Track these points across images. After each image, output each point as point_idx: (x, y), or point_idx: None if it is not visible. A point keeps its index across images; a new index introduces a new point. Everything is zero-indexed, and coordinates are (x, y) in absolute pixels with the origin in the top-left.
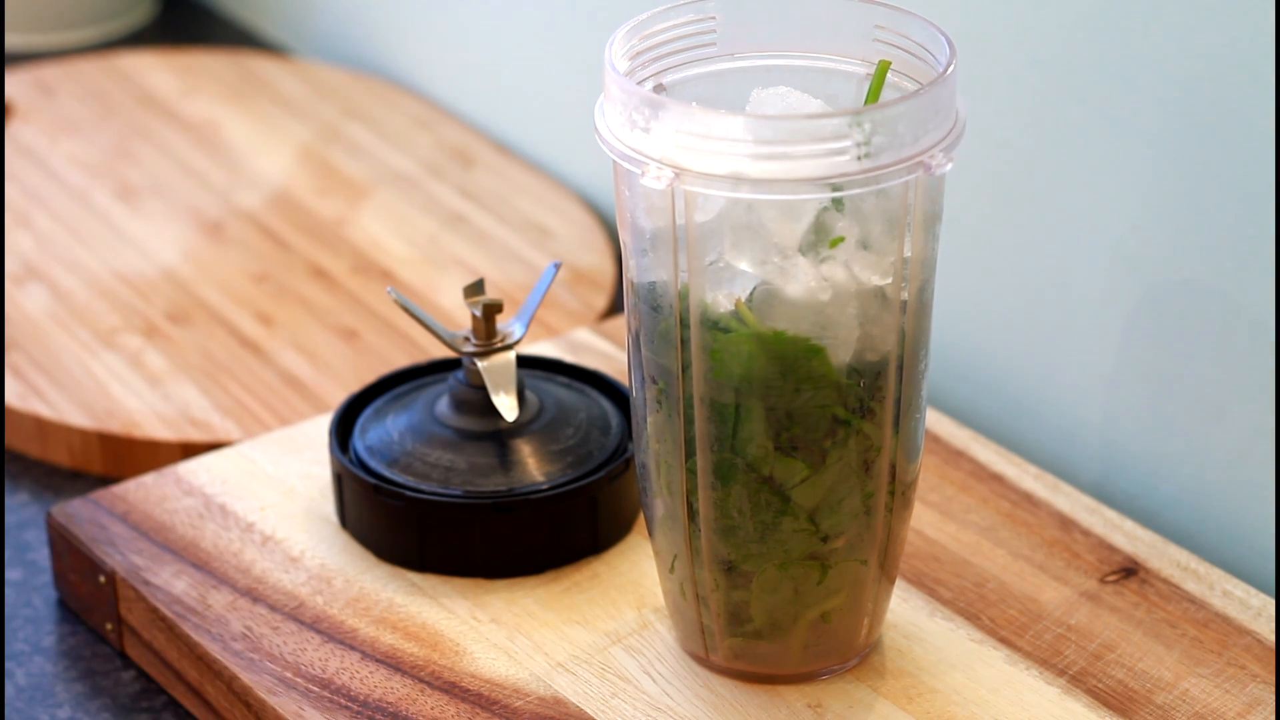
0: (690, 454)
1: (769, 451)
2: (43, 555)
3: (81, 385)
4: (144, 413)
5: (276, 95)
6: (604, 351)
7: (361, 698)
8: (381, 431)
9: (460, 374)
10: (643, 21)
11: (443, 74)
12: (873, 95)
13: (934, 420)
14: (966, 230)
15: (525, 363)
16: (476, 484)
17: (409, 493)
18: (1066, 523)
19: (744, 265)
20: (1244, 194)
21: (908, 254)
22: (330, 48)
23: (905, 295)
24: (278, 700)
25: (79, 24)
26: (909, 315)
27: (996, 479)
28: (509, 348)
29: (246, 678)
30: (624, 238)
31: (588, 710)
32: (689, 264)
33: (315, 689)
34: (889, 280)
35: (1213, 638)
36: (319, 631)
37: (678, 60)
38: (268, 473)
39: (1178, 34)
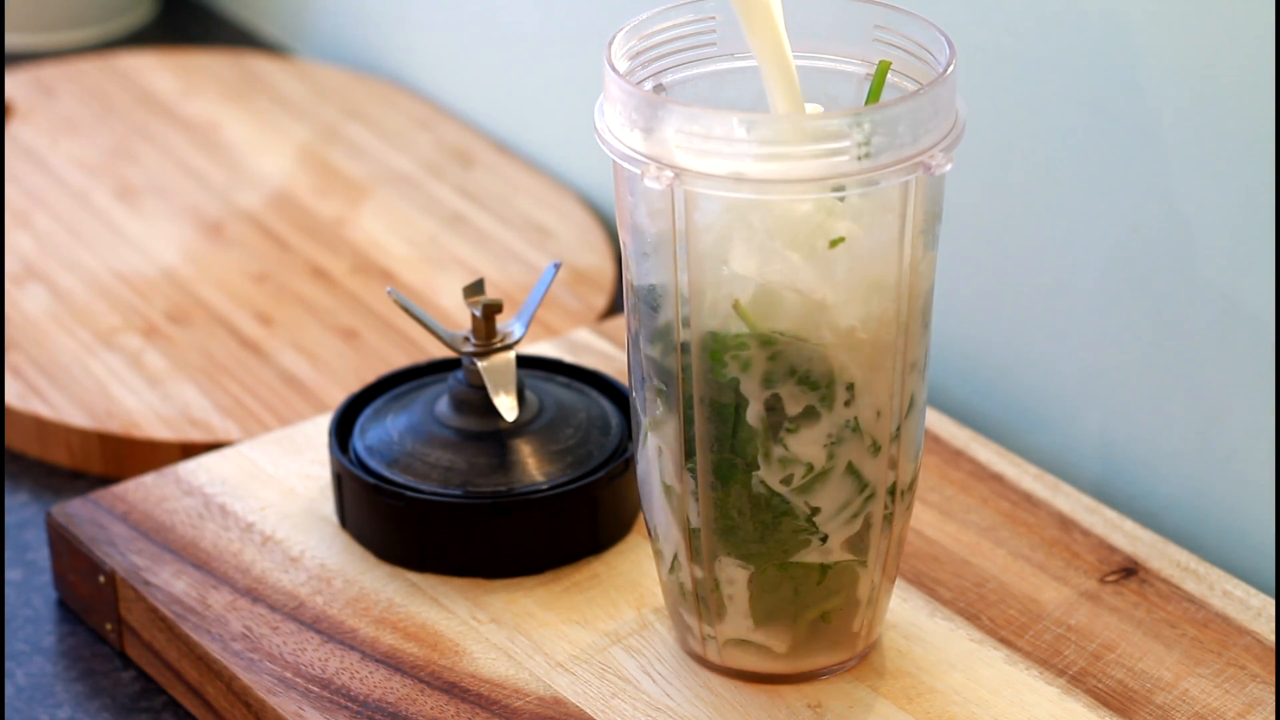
0: (690, 454)
1: (769, 451)
2: (43, 555)
3: (81, 385)
4: (144, 413)
5: (276, 95)
6: (604, 351)
7: (361, 698)
8: (381, 431)
9: (460, 374)
10: (643, 21)
11: (443, 74)
12: (873, 95)
13: (934, 420)
14: (966, 230)
15: (525, 363)
16: (476, 484)
17: (409, 493)
18: (1066, 523)
19: (744, 266)
20: (1244, 194)
21: (908, 254)
22: (330, 48)
23: (905, 295)
24: (277, 700)
25: (79, 24)
26: (909, 315)
27: (996, 479)
28: (509, 348)
29: (246, 678)
30: (624, 238)
31: (588, 710)
32: (689, 265)
33: (315, 689)
34: (889, 280)
35: (1213, 638)
36: (319, 631)
37: (678, 60)
38: (268, 473)
39: (1178, 33)
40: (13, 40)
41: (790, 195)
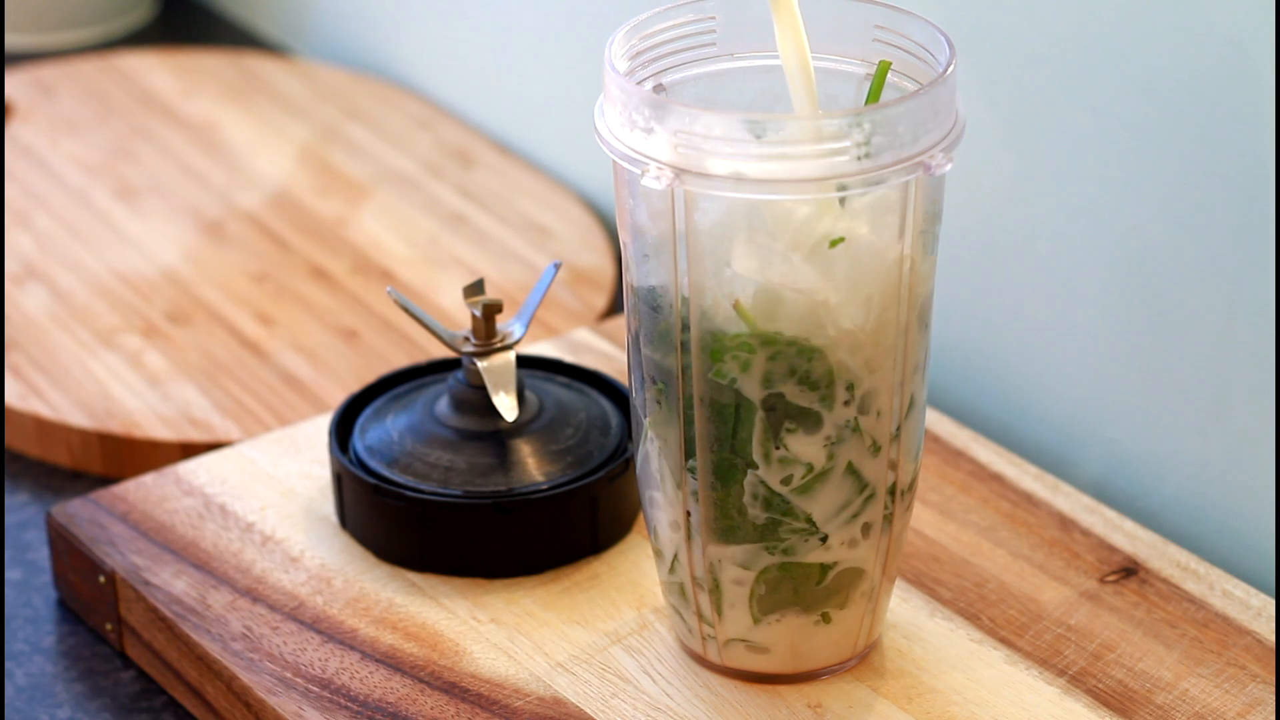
0: (690, 454)
1: (769, 451)
2: (43, 555)
3: (81, 385)
4: (144, 413)
5: (276, 95)
6: (604, 351)
7: (361, 698)
8: (381, 431)
9: (460, 374)
10: (643, 21)
11: (443, 74)
12: (873, 95)
13: (934, 420)
14: (966, 230)
15: (525, 363)
16: (476, 484)
17: (409, 493)
18: (1066, 523)
19: (744, 266)
20: (1244, 194)
21: (908, 254)
22: (330, 48)
23: (905, 295)
24: (278, 700)
25: (79, 24)
26: (909, 315)
27: (996, 479)
28: (509, 348)
29: (246, 678)
30: (624, 238)
31: (588, 710)
32: (689, 265)
33: (315, 689)
34: (889, 280)
35: (1213, 638)
36: (319, 631)
37: (678, 60)
38: (268, 473)
39: (1178, 33)
40: (13, 40)
41: (790, 195)
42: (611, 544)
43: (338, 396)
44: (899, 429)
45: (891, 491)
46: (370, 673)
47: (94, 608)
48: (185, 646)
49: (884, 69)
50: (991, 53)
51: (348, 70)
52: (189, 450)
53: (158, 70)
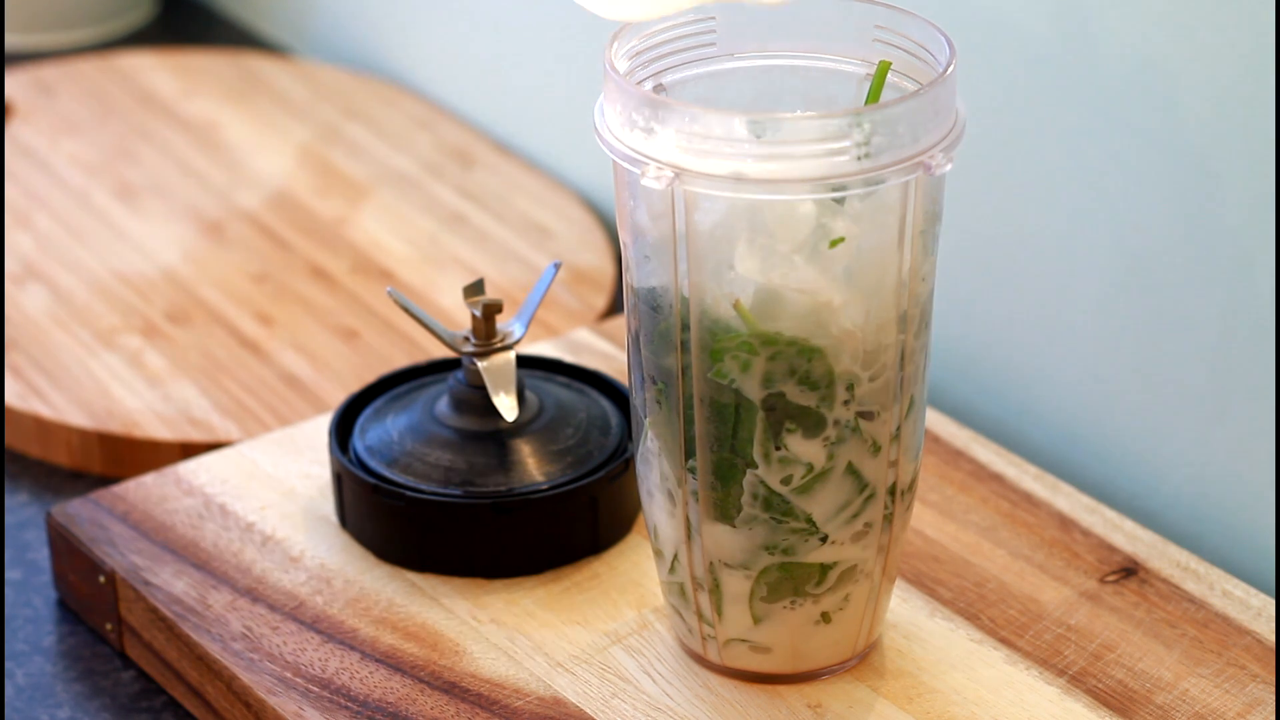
0: (690, 454)
1: (769, 451)
2: (43, 555)
3: (81, 385)
4: (144, 413)
5: (276, 95)
6: (604, 351)
7: (361, 698)
8: (381, 431)
9: (460, 374)
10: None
11: (443, 74)
12: (873, 95)
13: (934, 420)
14: (966, 230)
15: (525, 363)
16: (476, 484)
17: (409, 493)
18: (1066, 523)
19: (744, 266)
20: (1244, 194)
21: (908, 254)
22: (330, 48)
23: (905, 296)
24: (277, 700)
25: (79, 24)
26: (909, 316)
27: (996, 479)
28: (509, 348)
29: (246, 678)
30: (624, 238)
31: (588, 710)
32: (689, 265)
33: (315, 689)
34: (889, 280)
35: (1213, 638)
36: (319, 631)
37: (678, 60)
38: (268, 473)
39: (1178, 34)
40: (13, 40)
41: (790, 195)
42: (611, 544)
43: (338, 396)
44: (899, 429)
45: (891, 491)
46: (370, 673)
47: (94, 608)
48: (185, 646)
49: (884, 69)
50: (992, 53)
51: (348, 70)
52: (189, 450)
53: (158, 70)
